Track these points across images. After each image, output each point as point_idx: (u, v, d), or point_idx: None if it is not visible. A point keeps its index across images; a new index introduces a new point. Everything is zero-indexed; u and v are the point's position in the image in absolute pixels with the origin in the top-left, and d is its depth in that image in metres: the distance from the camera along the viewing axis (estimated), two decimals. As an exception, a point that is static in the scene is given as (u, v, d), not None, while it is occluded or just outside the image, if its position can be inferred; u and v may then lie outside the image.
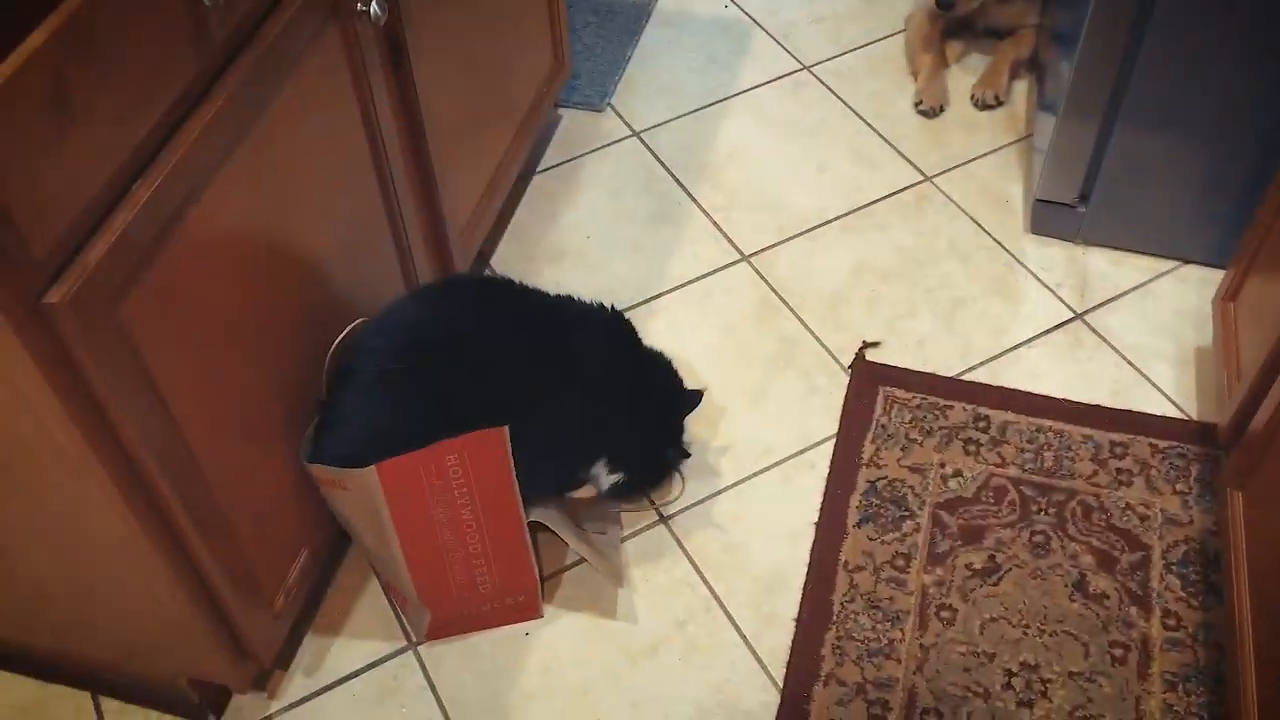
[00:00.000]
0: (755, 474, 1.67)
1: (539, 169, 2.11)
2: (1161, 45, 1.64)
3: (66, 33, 0.87)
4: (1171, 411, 1.72)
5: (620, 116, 2.21)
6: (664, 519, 1.63)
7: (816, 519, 1.61)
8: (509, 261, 1.96)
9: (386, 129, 1.42)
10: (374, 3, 1.30)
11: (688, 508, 1.63)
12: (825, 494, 1.63)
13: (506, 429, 1.31)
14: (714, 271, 1.94)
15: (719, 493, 1.65)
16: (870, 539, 1.58)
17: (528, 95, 1.94)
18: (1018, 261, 1.93)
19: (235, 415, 1.21)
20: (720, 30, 2.39)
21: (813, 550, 1.57)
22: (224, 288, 1.15)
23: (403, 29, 1.39)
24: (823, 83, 2.26)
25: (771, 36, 2.37)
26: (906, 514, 1.60)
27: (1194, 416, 1.71)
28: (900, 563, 1.55)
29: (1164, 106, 1.71)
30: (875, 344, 1.82)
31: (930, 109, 2.17)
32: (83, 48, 0.89)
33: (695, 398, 1.61)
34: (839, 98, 2.23)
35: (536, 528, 1.49)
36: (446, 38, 1.55)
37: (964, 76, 2.26)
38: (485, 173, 1.81)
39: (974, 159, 2.10)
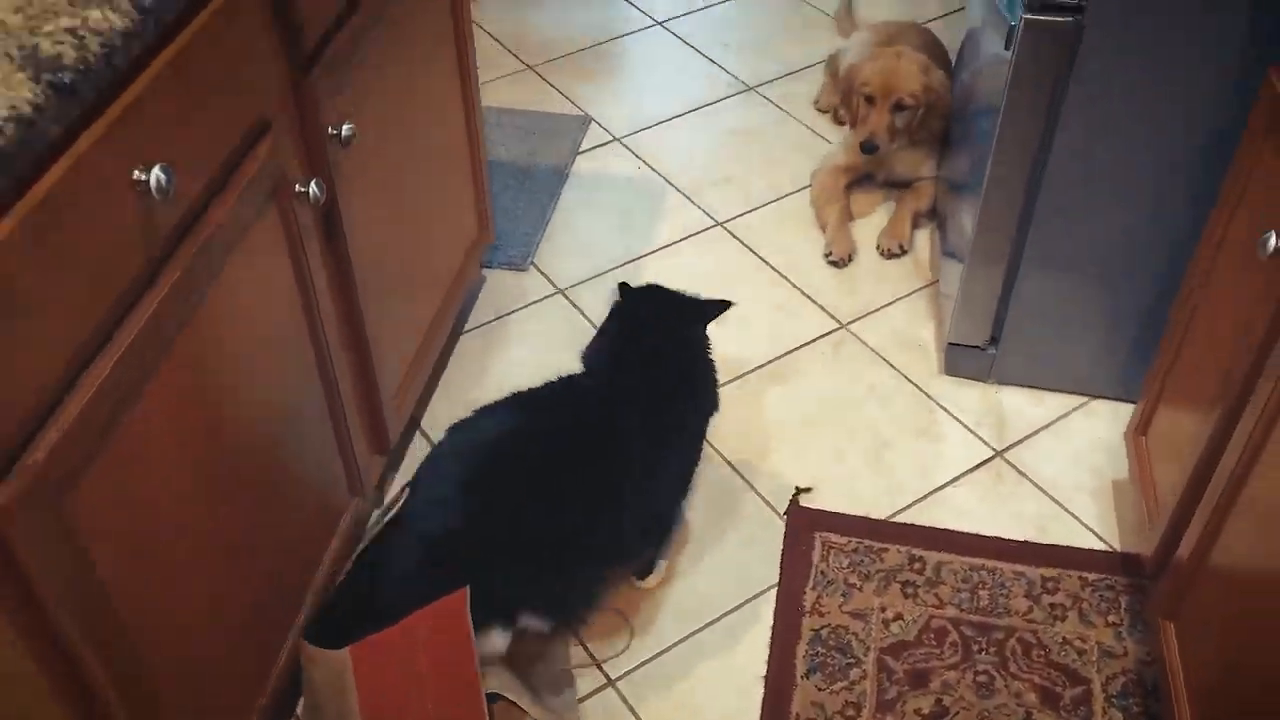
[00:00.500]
0: (700, 629, 1.66)
1: (466, 328, 2.14)
2: (1057, 195, 1.76)
3: (17, 232, 0.87)
4: (1096, 544, 1.77)
5: (544, 274, 2.26)
6: (611, 682, 1.60)
7: (765, 671, 1.60)
8: (441, 421, 1.95)
9: (322, 299, 1.43)
10: (313, 184, 1.33)
11: (636, 668, 1.61)
12: (771, 645, 1.63)
13: (467, 592, 1.30)
14: (644, 425, 1.96)
15: (666, 650, 1.64)
16: (819, 689, 1.57)
17: (455, 260, 1.97)
18: (935, 403, 2.00)
19: (184, 604, 1.17)
20: (634, 190, 2.48)
21: (764, 704, 1.56)
22: (170, 470, 1.13)
23: (338, 205, 1.42)
24: (735, 236, 2.35)
25: (684, 194, 2.46)
26: (853, 661, 1.61)
27: (1117, 547, 1.77)
28: (850, 712, 1.55)
29: (1064, 252, 1.82)
30: (807, 490, 1.85)
31: (840, 259, 2.27)
32: (33, 245, 0.89)
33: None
34: (752, 251, 2.32)
35: (493, 698, 1.46)
36: (378, 208, 1.58)
37: (868, 228, 2.38)
38: (416, 337, 1.83)
39: (885, 305, 2.20)
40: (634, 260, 2.30)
